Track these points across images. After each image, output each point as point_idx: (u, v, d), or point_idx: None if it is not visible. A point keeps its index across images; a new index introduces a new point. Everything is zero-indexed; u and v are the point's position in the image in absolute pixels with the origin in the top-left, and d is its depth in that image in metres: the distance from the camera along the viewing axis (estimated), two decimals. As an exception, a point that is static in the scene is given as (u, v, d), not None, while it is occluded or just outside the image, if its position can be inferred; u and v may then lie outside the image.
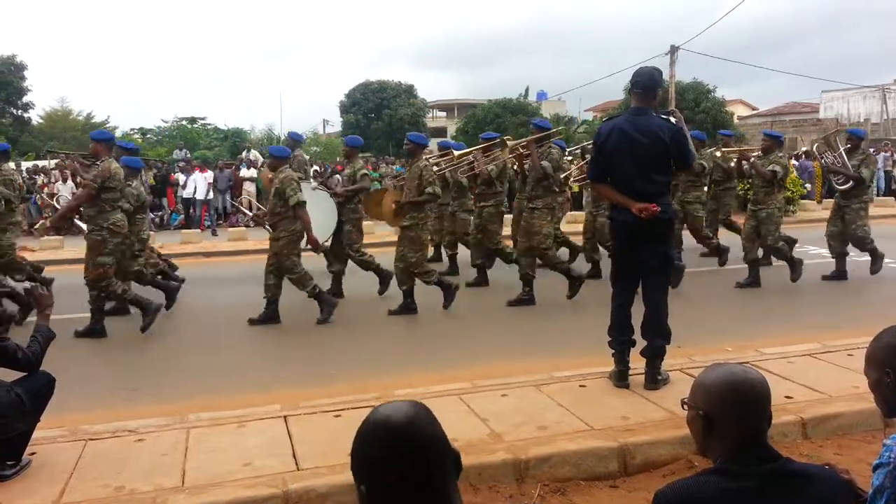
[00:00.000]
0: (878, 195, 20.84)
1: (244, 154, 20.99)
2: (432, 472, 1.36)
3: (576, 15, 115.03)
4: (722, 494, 1.70)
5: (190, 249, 13.06)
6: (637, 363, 4.74)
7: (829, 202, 19.15)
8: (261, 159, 21.59)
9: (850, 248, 8.91)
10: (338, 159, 20.80)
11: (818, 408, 4.25)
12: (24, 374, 3.60)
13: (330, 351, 6.32)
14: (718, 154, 10.09)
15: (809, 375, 4.81)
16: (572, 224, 12.52)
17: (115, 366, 5.99)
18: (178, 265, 9.52)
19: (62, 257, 11.70)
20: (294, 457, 3.72)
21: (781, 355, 5.30)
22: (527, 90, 45.22)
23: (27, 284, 7.08)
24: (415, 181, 7.25)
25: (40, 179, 17.61)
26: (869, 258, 8.88)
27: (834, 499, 1.76)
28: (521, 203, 8.53)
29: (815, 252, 11.50)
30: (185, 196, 17.47)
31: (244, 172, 18.49)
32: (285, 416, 4.27)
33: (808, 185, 19.89)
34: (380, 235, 12.88)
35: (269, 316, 7.16)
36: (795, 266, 8.50)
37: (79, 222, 8.09)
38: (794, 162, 22.43)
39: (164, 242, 13.48)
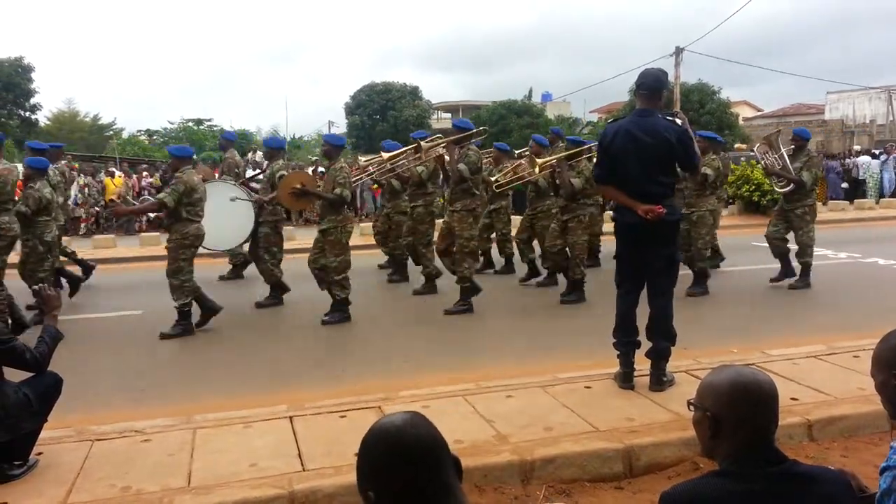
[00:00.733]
0: (883, 196, 20.80)
1: (250, 156, 21.04)
2: (434, 476, 1.45)
3: (581, 16, 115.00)
4: (728, 496, 1.70)
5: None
6: (642, 365, 4.73)
7: (834, 203, 19.38)
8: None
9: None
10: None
11: (824, 410, 4.24)
12: (32, 374, 3.62)
13: (334, 352, 6.33)
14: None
15: (815, 377, 4.80)
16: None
17: (121, 366, 6.01)
18: (94, 265, 9.38)
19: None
20: (300, 457, 3.73)
21: (787, 357, 5.29)
22: (530, 92, 45.28)
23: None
24: (330, 183, 7.08)
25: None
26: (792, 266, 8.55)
27: (840, 501, 1.75)
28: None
29: (819, 253, 11.46)
30: None
31: (250, 173, 18.53)
32: (291, 417, 4.28)
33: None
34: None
35: (202, 317, 6.97)
36: (701, 280, 8.18)
37: None
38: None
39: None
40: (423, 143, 8.20)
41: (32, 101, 35.61)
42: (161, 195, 6.88)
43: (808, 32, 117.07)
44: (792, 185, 8.31)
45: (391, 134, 37.24)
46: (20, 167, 8.66)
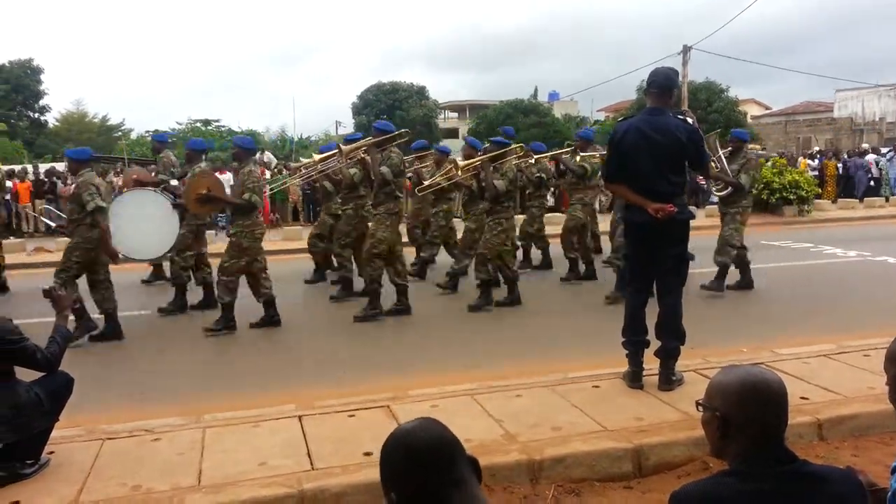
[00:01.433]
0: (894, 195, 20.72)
1: (258, 156, 21.08)
2: (446, 475, 1.53)
3: (588, 15, 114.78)
4: (738, 496, 1.70)
5: (208, 250, 13.11)
6: (651, 364, 4.72)
7: (845, 202, 19.31)
8: (274, 161, 21.71)
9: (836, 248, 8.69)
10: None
11: (834, 409, 4.22)
12: (44, 374, 3.64)
13: (343, 352, 6.34)
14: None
15: (825, 376, 4.78)
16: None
17: (131, 366, 6.04)
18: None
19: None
20: (309, 456, 3.74)
21: (797, 356, 5.27)
22: (535, 90, 45.21)
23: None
24: (239, 188, 6.91)
25: (59, 183, 17.78)
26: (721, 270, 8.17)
27: (851, 501, 1.75)
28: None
29: (829, 252, 11.42)
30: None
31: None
32: (300, 416, 4.29)
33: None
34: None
35: (110, 329, 6.76)
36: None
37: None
38: (808, 161, 22.34)
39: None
40: (343, 146, 7.98)
41: (41, 102, 35.87)
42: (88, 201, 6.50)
43: (818, 30, 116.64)
44: (730, 188, 8.10)
45: (398, 133, 37.36)
46: (29, 168, 8.70)
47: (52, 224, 14.05)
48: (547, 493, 3.51)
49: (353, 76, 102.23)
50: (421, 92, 41.62)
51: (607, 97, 53.27)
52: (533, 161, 9.25)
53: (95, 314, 6.71)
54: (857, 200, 19.67)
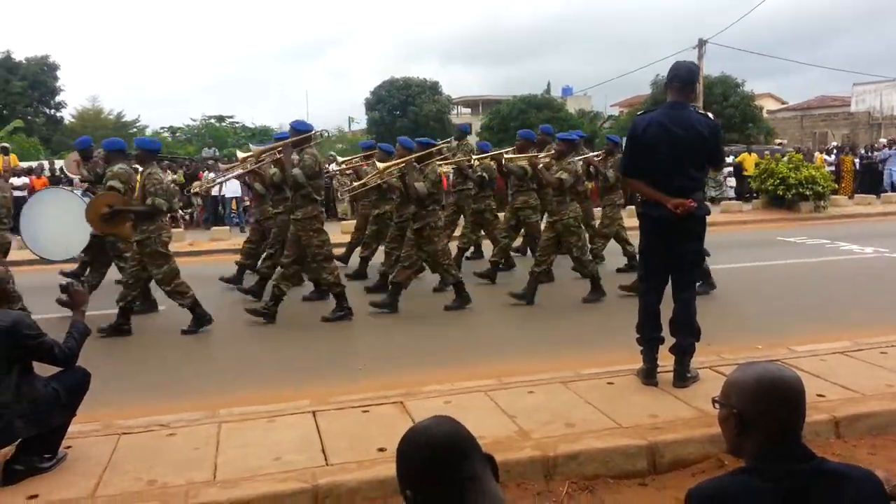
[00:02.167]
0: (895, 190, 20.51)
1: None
2: (457, 471, 1.55)
3: (603, 9, 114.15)
4: (755, 493, 1.69)
5: (220, 246, 13.23)
6: (665, 361, 4.70)
7: (861, 197, 19.10)
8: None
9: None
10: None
11: (851, 406, 4.19)
12: (61, 369, 3.68)
13: (356, 348, 6.36)
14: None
15: (842, 374, 4.73)
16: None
17: (146, 361, 6.09)
18: None
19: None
20: (323, 452, 3.75)
21: (813, 353, 5.22)
22: (548, 85, 45.04)
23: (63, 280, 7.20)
24: (141, 191, 6.70)
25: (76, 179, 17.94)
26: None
27: (871, 500, 1.73)
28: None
29: (846, 248, 11.32)
30: (214, 194, 17.67)
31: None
32: (314, 412, 4.30)
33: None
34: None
35: None
36: (597, 287, 7.68)
37: None
38: (825, 157, 22.12)
39: (193, 239, 13.65)
40: (253, 146, 7.88)
41: (57, 98, 36.16)
42: None
43: (835, 23, 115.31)
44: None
45: (411, 129, 37.36)
46: (45, 164, 8.68)
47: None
48: (561, 489, 3.51)
49: (367, 72, 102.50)
50: (434, 87, 41.58)
51: (621, 92, 52.97)
52: (476, 162, 9.02)
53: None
54: (875, 196, 19.45)
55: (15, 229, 7.92)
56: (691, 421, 4.02)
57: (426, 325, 7.10)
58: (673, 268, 4.59)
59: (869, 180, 21.41)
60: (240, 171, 9.14)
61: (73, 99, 51.06)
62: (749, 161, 20.76)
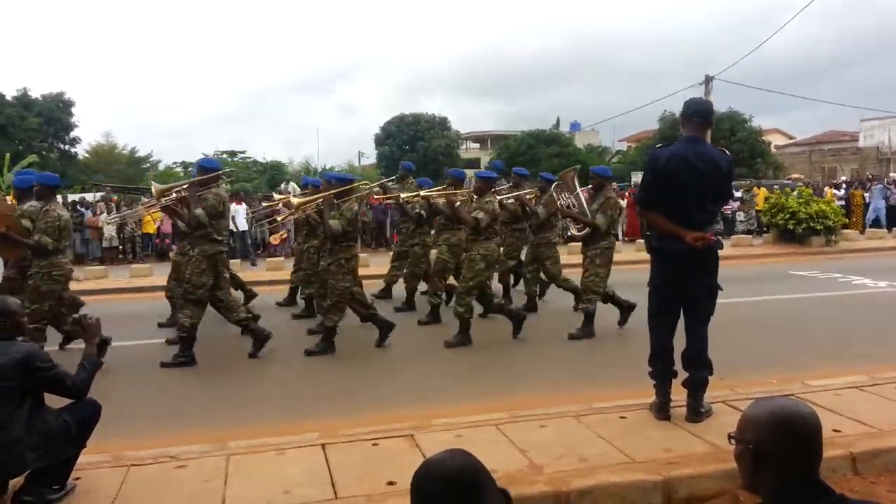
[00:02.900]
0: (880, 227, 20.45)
1: (282, 186, 21.35)
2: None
3: (609, 45, 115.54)
4: (773, 529, 1.66)
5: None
6: (677, 395, 4.64)
7: (872, 231, 19.04)
8: (298, 191, 21.97)
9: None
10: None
11: (868, 442, 4.12)
12: (72, 400, 3.67)
13: (365, 381, 6.32)
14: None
15: (858, 409, 4.67)
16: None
17: (155, 393, 6.08)
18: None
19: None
20: (332, 485, 3.71)
21: (827, 388, 5.16)
22: (558, 121, 45.43)
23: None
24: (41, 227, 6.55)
25: (88, 213, 18.12)
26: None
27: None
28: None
29: (858, 282, 11.24)
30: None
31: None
32: (323, 445, 4.27)
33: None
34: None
35: None
36: (465, 329, 7.38)
37: None
38: (834, 191, 22.11)
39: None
40: (155, 184, 7.58)
41: (72, 134, 36.67)
42: None
43: (842, 58, 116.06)
44: (588, 228, 7.68)
45: (420, 163, 37.68)
46: (59, 199, 8.66)
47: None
48: (574, 525, 3.45)
49: (377, 106, 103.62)
50: (443, 123, 41.98)
51: (629, 127, 53.35)
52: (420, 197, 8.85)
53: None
54: (886, 230, 19.39)
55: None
56: (706, 456, 3.96)
57: (433, 359, 7.04)
58: (686, 302, 4.55)
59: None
60: (142, 209, 9.06)
61: (87, 134, 51.75)
62: (759, 195, 20.81)
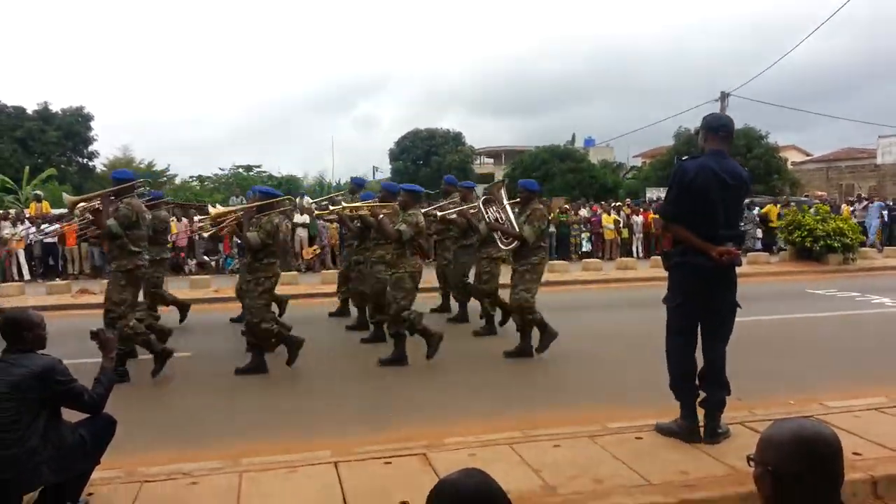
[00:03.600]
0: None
1: (297, 200, 21.43)
2: None
3: (625, 60, 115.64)
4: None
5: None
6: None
7: (891, 249, 18.83)
8: (312, 203, 22.11)
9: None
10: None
11: (890, 465, 4.05)
12: (88, 415, 3.68)
13: (377, 399, 6.30)
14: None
15: (878, 431, 4.59)
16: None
17: (170, 408, 6.08)
18: None
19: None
20: (345, 503, 3.69)
21: (847, 409, 5.09)
22: (573, 137, 45.44)
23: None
24: None
25: None
26: None
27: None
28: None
29: (877, 301, 11.11)
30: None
31: (297, 219, 18.86)
32: (336, 462, 4.25)
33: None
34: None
35: None
36: (398, 348, 7.29)
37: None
38: (851, 208, 21.92)
39: (219, 286, 13.75)
40: (67, 196, 7.36)
41: (91, 148, 37.13)
42: None
43: (859, 74, 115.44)
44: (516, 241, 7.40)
45: (434, 178, 37.77)
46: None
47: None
48: (589, 548, 3.41)
49: (393, 121, 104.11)
50: (457, 138, 42.15)
51: (644, 143, 53.26)
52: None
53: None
54: (878, 251, 19.21)
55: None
56: (723, 478, 3.91)
57: (444, 377, 7.01)
58: (709, 318, 4.48)
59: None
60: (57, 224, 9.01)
61: (105, 148, 52.28)
62: (774, 212, 20.67)
